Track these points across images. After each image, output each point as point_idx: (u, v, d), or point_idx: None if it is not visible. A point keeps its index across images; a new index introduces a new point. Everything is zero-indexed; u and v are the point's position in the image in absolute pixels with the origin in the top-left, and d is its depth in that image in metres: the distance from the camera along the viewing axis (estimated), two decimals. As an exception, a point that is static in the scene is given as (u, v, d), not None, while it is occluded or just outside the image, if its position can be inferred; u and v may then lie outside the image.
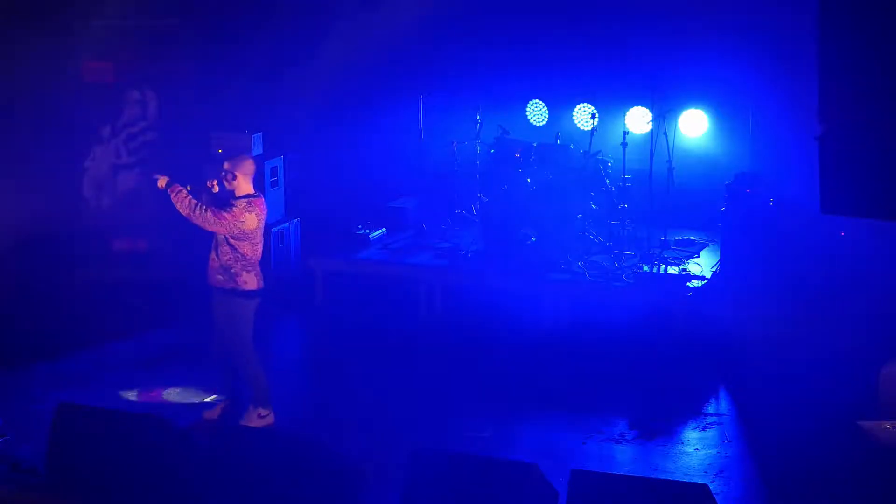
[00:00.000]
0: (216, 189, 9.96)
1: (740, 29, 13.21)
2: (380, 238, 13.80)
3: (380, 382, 11.20)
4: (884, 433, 8.26)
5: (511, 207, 12.91)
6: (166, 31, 14.48)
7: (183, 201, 9.82)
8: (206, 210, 9.78)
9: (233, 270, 9.93)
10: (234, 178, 9.88)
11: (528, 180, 13.09)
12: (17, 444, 9.58)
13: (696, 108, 13.85)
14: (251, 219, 9.86)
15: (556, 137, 13.63)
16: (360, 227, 13.73)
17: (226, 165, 9.95)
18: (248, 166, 9.97)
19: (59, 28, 14.08)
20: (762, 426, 10.22)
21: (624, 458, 9.74)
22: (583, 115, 14.21)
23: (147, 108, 14.91)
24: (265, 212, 10.08)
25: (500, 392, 10.96)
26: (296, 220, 13.95)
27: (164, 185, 9.94)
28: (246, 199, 9.88)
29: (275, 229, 13.59)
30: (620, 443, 9.98)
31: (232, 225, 9.81)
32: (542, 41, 14.22)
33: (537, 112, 14.65)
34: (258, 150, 13.72)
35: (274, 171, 13.77)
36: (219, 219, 9.79)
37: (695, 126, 13.91)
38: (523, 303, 12.48)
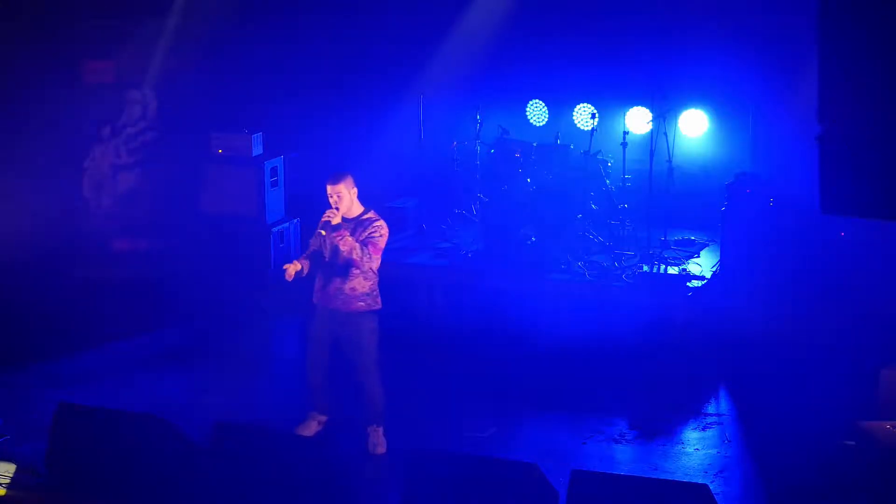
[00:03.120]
0: (338, 219, 9.36)
1: (740, 29, 13.22)
2: (380, 238, 13.79)
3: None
4: (884, 433, 8.26)
5: (511, 207, 12.90)
6: (166, 32, 14.49)
7: (353, 247, 9.40)
8: (364, 251, 9.41)
9: (373, 292, 9.60)
10: (353, 195, 9.46)
11: (528, 180, 13.09)
12: (17, 444, 9.58)
13: (696, 108, 13.85)
14: (386, 232, 9.60)
15: (556, 137, 13.63)
16: (360, 227, 13.72)
17: (340, 188, 9.38)
18: (351, 181, 9.50)
19: (59, 28, 14.09)
20: (762, 426, 10.22)
21: (624, 458, 9.74)
22: (583, 115, 14.21)
23: (147, 108, 14.92)
24: None
25: (500, 392, 10.95)
26: (296, 220, 13.95)
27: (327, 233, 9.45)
28: (377, 218, 9.52)
29: (275, 229, 13.60)
30: (620, 443, 9.98)
31: (382, 247, 9.56)
32: (542, 41, 14.22)
33: (537, 112, 14.65)
34: (258, 150, 13.73)
35: (274, 171, 13.77)
36: (375, 252, 9.48)
37: (695, 126, 13.91)
38: (523, 303, 12.47)
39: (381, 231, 9.51)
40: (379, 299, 9.67)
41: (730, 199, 12.56)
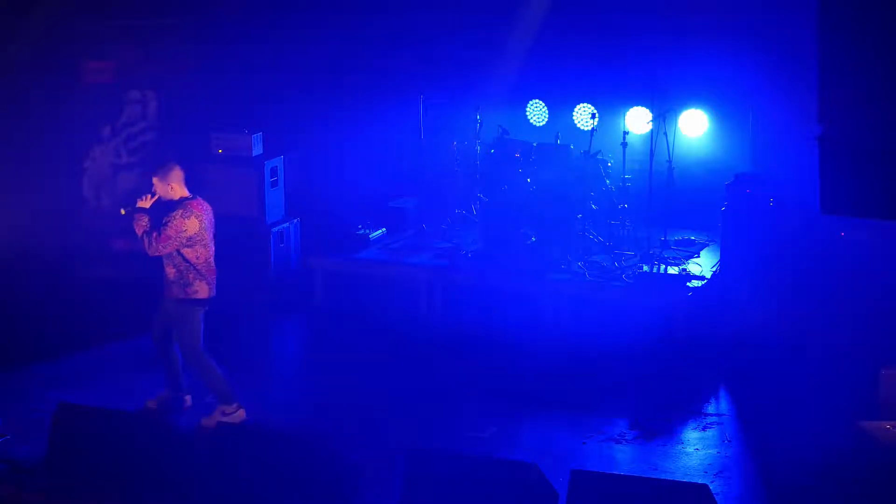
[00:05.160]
0: (148, 204, 10.02)
1: (740, 29, 13.21)
2: (380, 238, 13.80)
3: (380, 382, 11.20)
4: (884, 433, 8.27)
5: (511, 207, 12.91)
6: (166, 31, 14.47)
7: (138, 230, 9.99)
8: (150, 236, 9.90)
9: (183, 280, 10.03)
10: (168, 188, 9.99)
11: (528, 180, 13.09)
12: (17, 444, 9.58)
13: (696, 108, 13.84)
14: (192, 223, 9.95)
15: (556, 137, 13.62)
16: (360, 227, 13.73)
17: (154, 180, 10.03)
18: (176, 173, 10.05)
19: (59, 28, 14.07)
20: (762, 426, 10.23)
21: (624, 458, 9.74)
22: (583, 115, 14.20)
23: (147, 108, 14.91)
24: (207, 211, 10.14)
25: (500, 392, 10.95)
26: (296, 220, 13.94)
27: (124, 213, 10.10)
28: (181, 207, 9.96)
29: (275, 229, 13.59)
30: (620, 443, 9.98)
31: (177, 238, 9.91)
32: (542, 41, 14.21)
33: (537, 112, 14.65)
34: (258, 150, 13.72)
35: (274, 171, 13.76)
36: (163, 240, 9.90)
37: (695, 126, 13.90)
38: (523, 303, 12.47)
39: (172, 220, 9.90)
40: (193, 288, 10.04)
41: (730, 199, 12.55)
